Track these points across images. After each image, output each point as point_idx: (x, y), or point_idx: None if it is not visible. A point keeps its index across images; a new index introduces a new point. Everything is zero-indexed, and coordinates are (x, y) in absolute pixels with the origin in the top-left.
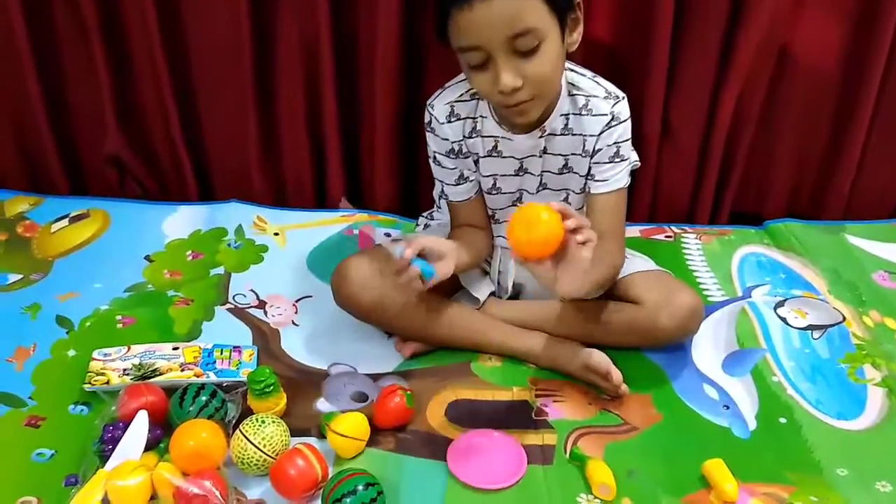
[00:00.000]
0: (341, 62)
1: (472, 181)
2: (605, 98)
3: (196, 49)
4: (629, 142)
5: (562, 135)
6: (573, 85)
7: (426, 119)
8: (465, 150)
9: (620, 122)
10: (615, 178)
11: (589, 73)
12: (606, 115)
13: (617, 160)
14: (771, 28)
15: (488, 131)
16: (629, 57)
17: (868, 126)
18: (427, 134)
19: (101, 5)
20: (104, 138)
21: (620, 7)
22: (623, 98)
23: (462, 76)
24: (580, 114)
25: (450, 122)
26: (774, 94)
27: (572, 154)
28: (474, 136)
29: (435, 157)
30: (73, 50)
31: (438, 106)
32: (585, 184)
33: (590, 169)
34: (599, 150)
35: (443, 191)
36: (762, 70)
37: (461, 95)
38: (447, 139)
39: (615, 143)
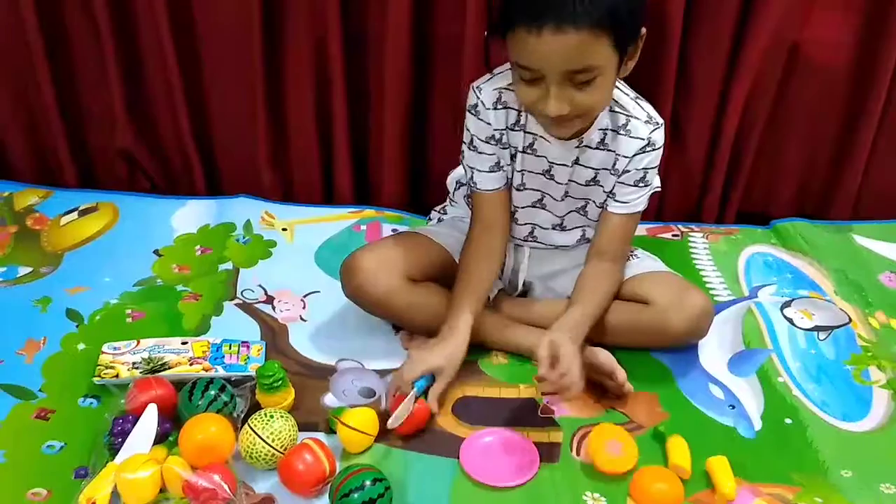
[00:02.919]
0: (351, 59)
1: (505, 171)
2: (646, 122)
3: (206, 44)
4: (656, 169)
5: (597, 149)
6: (615, 101)
7: (471, 101)
8: (504, 140)
9: (655, 149)
10: (635, 202)
11: (632, 93)
12: (644, 139)
13: (641, 185)
14: (781, 26)
15: (530, 127)
16: (639, 55)
17: (877, 126)
18: (469, 117)
19: (113, 3)
20: (114, 132)
21: None
22: (661, 125)
23: (509, 65)
24: (618, 132)
25: (496, 109)
26: (784, 93)
27: (603, 169)
28: (517, 129)
29: (472, 142)
30: (84, 45)
31: (487, 90)
32: (606, 199)
33: (613, 186)
34: (628, 171)
35: (472, 178)
36: (772, 69)
37: (510, 84)
38: (489, 124)
39: (644, 168)
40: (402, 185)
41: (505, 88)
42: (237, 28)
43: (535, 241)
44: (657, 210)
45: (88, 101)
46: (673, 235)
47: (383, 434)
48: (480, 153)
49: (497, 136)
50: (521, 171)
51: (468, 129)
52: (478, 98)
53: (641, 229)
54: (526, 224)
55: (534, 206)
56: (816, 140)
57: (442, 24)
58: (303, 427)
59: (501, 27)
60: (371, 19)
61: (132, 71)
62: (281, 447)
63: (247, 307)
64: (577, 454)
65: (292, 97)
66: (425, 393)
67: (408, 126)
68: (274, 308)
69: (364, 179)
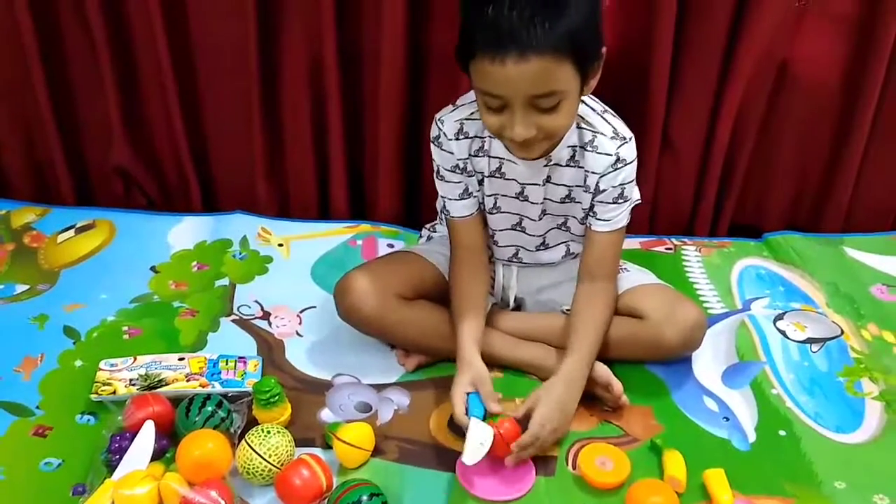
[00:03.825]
0: (346, 76)
1: (475, 197)
2: (612, 138)
3: (203, 61)
4: (633, 182)
5: (567, 166)
6: (582, 118)
7: (434, 133)
8: (469, 167)
9: (626, 165)
10: (617, 218)
11: (599, 108)
12: (611, 155)
13: (620, 201)
14: (771, 42)
15: (495, 152)
16: (630, 70)
17: (867, 139)
18: (433, 148)
19: (109, 18)
20: (111, 149)
21: (622, 20)
22: (630, 139)
23: (472, 95)
24: (585, 148)
25: (458, 139)
26: (774, 107)
27: (575, 186)
28: (481, 154)
29: (439, 172)
30: (81, 62)
31: (448, 122)
32: (587, 216)
33: (592, 206)
34: (604, 190)
35: (445, 206)
36: (762, 83)
37: (472, 114)
38: (452, 154)
39: (620, 184)
40: (398, 200)
41: (467, 119)
42: (233, 43)
43: (520, 262)
44: (650, 223)
45: (85, 117)
46: (666, 249)
47: (379, 449)
48: (448, 182)
49: (461, 164)
50: (493, 195)
51: (434, 160)
52: (440, 129)
53: (635, 243)
54: (509, 246)
55: (513, 230)
56: (807, 153)
57: (437, 39)
58: (300, 442)
59: (463, 57)
60: (366, 34)
61: (129, 87)
62: (278, 462)
63: (243, 323)
64: (573, 468)
65: (288, 112)
66: (486, 416)
67: (403, 141)
68: (270, 324)
69: (360, 194)
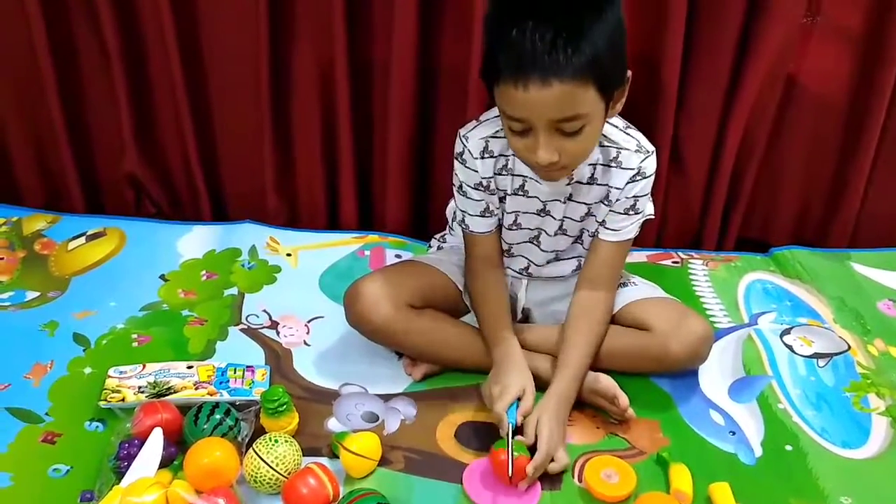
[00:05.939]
0: (356, 87)
1: (495, 215)
2: (636, 152)
3: (214, 72)
4: (648, 197)
5: (588, 184)
6: (605, 136)
7: (458, 149)
8: (493, 186)
9: (645, 178)
10: (626, 229)
11: (622, 124)
12: (634, 168)
13: (632, 213)
14: (778, 57)
15: (518, 170)
16: (639, 84)
17: (874, 155)
18: (456, 164)
19: (121, 28)
20: (122, 158)
21: (630, 33)
22: (652, 153)
23: (496, 111)
24: (609, 165)
25: (483, 158)
26: (781, 122)
27: (595, 203)
28: (504, 173)
29: (461, 188)
30: (93, 71)
31: (473, 140)
32: (598, 227)
33: (605, 214)
34: (618, 200)
35: (463, 220)
36: (769, 98)
37: (496, 132)
38: (477, 172)
39: (634, 196)
40: (406, 212)
41: (492, 136)
42: (244, 55)
43: (530, 276)
44: (657, 237)
45: (97, 126)
46: (673, 262)
47: (386, 459)
48: (470, 199)
49: (485, 183)
50: (514, 212)
51: (457, 175)
52: (464, 146)
53: (642, 256)
54: (520, 257)
55: (529, 243)
56: (814, 168)
57: (447, 54)
58: (307, 451)
59: (488, 79)
60: (377, 48)
61: (140, 97)
62: (285, 471)
63: (251, 332)
64: (580, 481)
65: (298, 123)
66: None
67: (412, 152)
68: (278, 333)
69: (368, 205)
